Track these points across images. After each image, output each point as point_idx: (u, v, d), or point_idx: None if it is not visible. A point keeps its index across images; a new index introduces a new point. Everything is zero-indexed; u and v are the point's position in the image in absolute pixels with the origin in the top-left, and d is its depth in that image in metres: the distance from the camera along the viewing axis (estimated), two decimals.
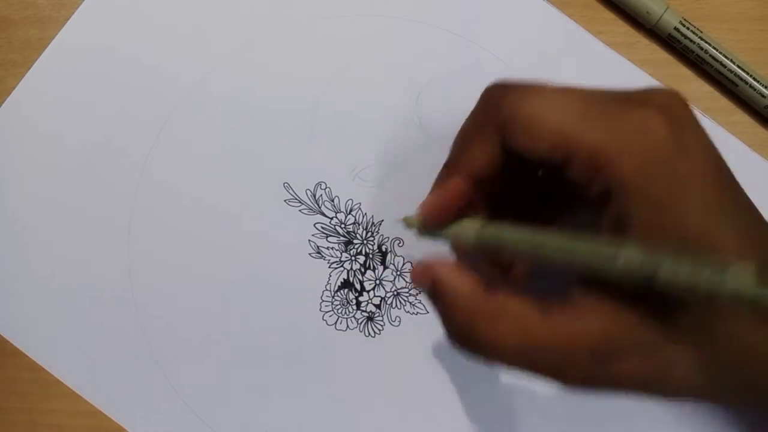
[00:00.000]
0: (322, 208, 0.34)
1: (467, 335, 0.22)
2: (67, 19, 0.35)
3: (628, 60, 0.35)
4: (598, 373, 0.20)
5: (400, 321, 0.33)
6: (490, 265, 0.26)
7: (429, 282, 0.23)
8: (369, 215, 0.34)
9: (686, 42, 0.34)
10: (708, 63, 0.34)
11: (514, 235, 0.22)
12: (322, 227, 0.34)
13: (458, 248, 0.26)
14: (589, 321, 0.20)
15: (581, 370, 0.20)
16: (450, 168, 0.24)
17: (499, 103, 0.22)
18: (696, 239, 0.19)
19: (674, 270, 0.18)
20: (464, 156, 0.23)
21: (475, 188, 0.23)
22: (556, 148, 0.21)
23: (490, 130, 0.22)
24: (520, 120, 0.21)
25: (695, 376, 0.20)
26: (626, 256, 0.18)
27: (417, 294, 0.33)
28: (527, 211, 0.23)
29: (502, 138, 0.22)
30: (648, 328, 0.20)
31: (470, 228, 0.23)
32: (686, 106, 0.21)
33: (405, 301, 0.33)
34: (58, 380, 0.32)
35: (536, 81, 0.22)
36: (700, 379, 0.20)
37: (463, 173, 0.23)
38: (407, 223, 0.27)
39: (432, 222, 0.24)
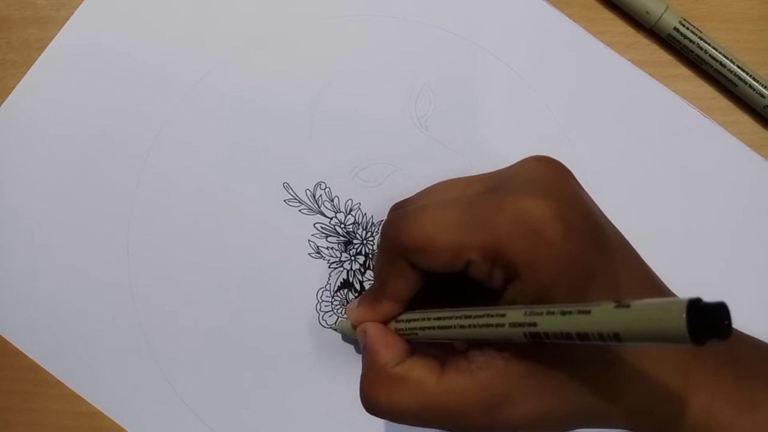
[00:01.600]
0: (322, 208, 0.34)
1: (370, 396, 0.25)
2: (67, 19, 0.35)
3: (628, 60, 0.35)
4: (491, 421, 0.23)
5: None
6: None
7: (363, 342, 0.27)
8: (369, 215, 0.34)
9: (686, 42, 0.34)
10: (707, 63, 0.34)
11: (419, 323, 0.25)
12: (322, 227, 0.34)
13: None
14: (480, 377, 0.23)
15: (475, 422, 0.23)
16: (377, 294, 0.27)
17: (396, 234, 0.24)
18: (584, 296, 0.22)
19: (551, 320, 0.20)
20: (386, 285, 0.26)
21: (404, 306, 0.26)
22: (453, 261, 0.23)
23: (398, 259, 0.25)
24: (417, 246, 0.24)
25: (585, 406, 0.23)
26: (511, 319, 0.21)
27: None
28: (445, 297, 0.26)
29: (410, 263, 0.25)
30: (534, 376, 0.22)
31: (390, 325, 0.27)
32: (559, 175, 0.24)
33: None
34: (59, 380, 0.32)
35: (424, 197, 0.25)
36: (590, 407, 0.23)
37: (389, 298, 0.26)
38: (339, 329, 0.32)
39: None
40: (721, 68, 0.34)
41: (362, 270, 0.34)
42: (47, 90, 0.34)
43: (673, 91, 0.35)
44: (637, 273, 0.25)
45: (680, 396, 0.24)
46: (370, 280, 0.33)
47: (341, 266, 0.33)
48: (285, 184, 0.34)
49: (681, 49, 0.35)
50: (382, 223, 0.27)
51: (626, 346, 0.23)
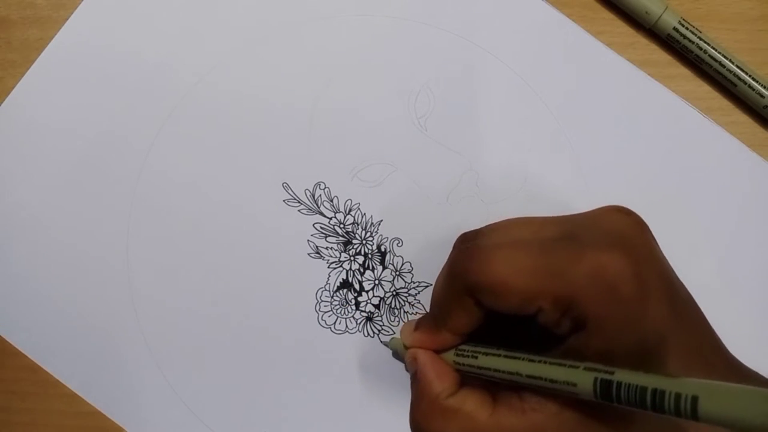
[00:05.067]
0: (321, 208, 0.34)
1: (424, 426, 0.25)
2: (66, 19, 0.35)
3: (628, 60, 0.35)
4: None
5: (399, 321, 0.33)
6: None
7: (413, 369, 0.27)
8: (368, 215, 0.34)
9: (685, 42, 0.34)
10: (707, 63, 0.34)
11: (488, 364, 0.25)
12: (321, 227, 0.34)
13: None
14: (533, 418, 0.22)
15: None
16: (437, 323, 0.27)
17: (466, 271, 0.24)
18: (652, 358, 0.22)
19: (629, 374, 0.19)
20: (448, 318, 0.26)
21: (462, 339, 0.26)
22: (523, 305, 0.23)
23: (465, 295, 0.24)
24: (487, 287, 0.23)
25: None
26: (584, 380, 0.21)
27: (416, 294, 0.33)
28: (508, 333, 0.26)
29: (476, 300, 0.24)
30: (587, 427, 0.22)
31: (447, 356, 0.27)
32: (637, 230, 0.24)
33: (404, 301, 0.33)
34: (58, 381, 0.32)
35: (495, 236, 0.25)
36: None
37: (449, 330, 0.26)
38: (391, 346, 0.32)
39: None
40: (720, 68, 0.34)
41: (361, 270, 0.34)
42: (47, 90, 0.34)
43: (673, 91, 0.35)
44: (705, 337, 0.24)
45: None
46: (369, 280, 0.33)
47: (340, 266, 0.33)
48: (284, 184, 0.34)
49: (680, 49, 0.35)
50: (450, 254, 0.26)
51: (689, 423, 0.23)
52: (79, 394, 0.32)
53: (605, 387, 0.20)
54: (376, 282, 0.33)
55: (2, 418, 0.33)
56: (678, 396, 0.17)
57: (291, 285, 0.33)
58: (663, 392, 0.18)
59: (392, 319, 0.33)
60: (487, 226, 0.26)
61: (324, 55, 0.35)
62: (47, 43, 0.35)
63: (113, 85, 0.34)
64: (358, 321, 0.33)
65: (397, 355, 0.33)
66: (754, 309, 0.34)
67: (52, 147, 0.34)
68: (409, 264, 0.34)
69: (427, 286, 0.33)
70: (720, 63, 0.34)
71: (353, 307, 0.33)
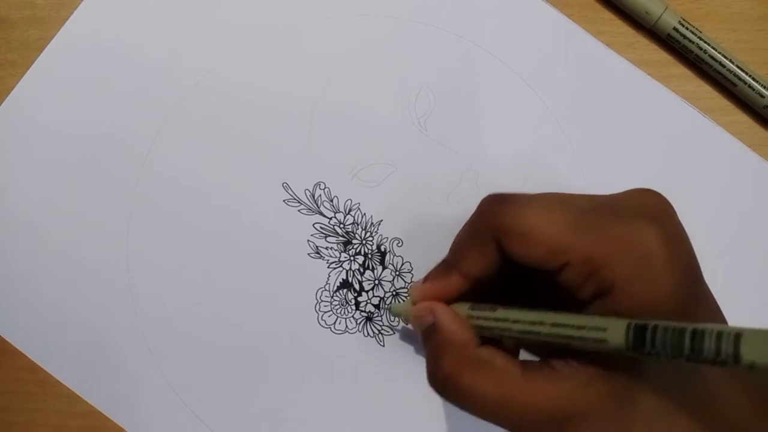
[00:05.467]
0: (321, 208, 0.34)
1: (451, 380, 0.23)
2: (66, 19, 0.35)
3: (628, 60, 0.35)
4: None
5: (399, 321, 0.33)
6: None
7: (430, 320, 0.25)
8: (368, 215, 0.34)
9: (685, 42, 0.34)
10: (707, 63, 0.34)
11: (507, 315, 0.23)
12: (321, 227, 0.34)
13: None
14: (564, 386, 0.22)
15: (542, 430, 0.22)
16: (449, 266, 0.26)
17: (496, 214, 0.23)
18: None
19: (664, 332, 0.18)
20: (463, 259, 0.25)
21: (470, 286, 0.25)
22: (551, 257, 0.22)
23: (488, 237, 0.24)
24: (518, 230, 0.23)
25: None
26: (615, 326, 0.20)
27: None
28: (516, 300, 0.25)
29: (499, 245, 0.23)
30: (615, 402, 0.21)
31: (461, 311, 0.25)
32: (668, 209, 0.24)
33: (404, 301, 0.33)
34: (57, 380, 0.32)
35: (529, 194, 0.24)
36: None
37: (461, 273, 0.25)
38: (394, 311, 0.30)
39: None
40: (720, 68, 0.34)
41: (361, 270, 0.34)
42: (47, 90, 0.34)
43: (673, 91, 0.35)
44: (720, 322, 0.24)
45: None
46: (369, 280, 0.33)
47: (340, 266, 0.33)
48: (284, 185, 0.34)
49: (680, 49, 0.35)
50: (479, 205, 0.25)
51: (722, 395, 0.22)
52: (79, 394, 0.32)
53: (639, 332, 0.19)
54: (376, 282, 0.33)
55: (2, 418, 0.33)
56: (720, 335, 0.16)
57: (291, 285, 0.33)
58: (703, 332, 0.17)
59: (392, 319, 0.33)
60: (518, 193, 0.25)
61: (324, 55, 0.35)
62: (47, 43, 0.35)
63: (113, 85, 0.34)
64: (358, 321, 0.33)
65: (401, 326, 0.32)
66: (754, 309, 0.34)
67: (53, 147, 0.34)
68: (409, 264, 0.34)
69: None
70: (720, 63, 0.34)
71: (353, 307, 0.33)
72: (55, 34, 0.35)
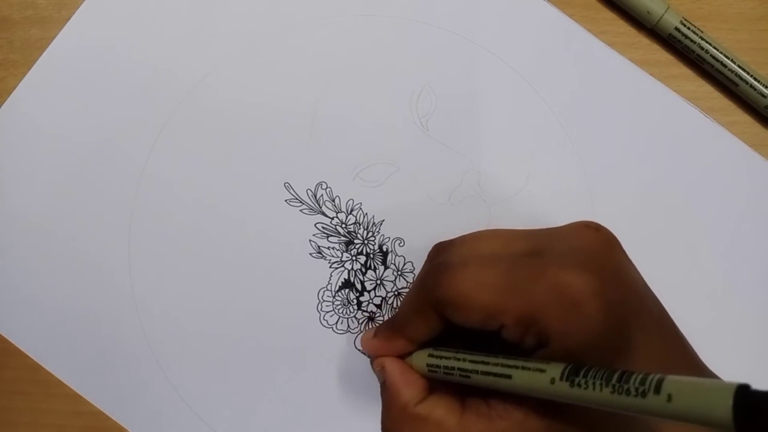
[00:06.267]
0: (323, 208, 0.34)
1: None
2: (68, 19, 0.35)
3: (629, 60, 0.35)
4: None
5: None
6: None
7: (382, 377, 0.28)
8: (370, 215, 0.34)
9: (687, 42, 0.34)
10: (708, 63, 0.34)
11: (451, 363, 0.25)
12: (323, 227, 0.34)
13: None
14: (500, 425, 0.23)
15: None
16: (395, 330, 0.28)
17: (435, 286, 0.25)
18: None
19: (596, 371, 0.20)
20: (408, 326, 0.27)
21: (416, 347, 0.27)
22: (487, 321, 0.23)
23: (429, 308, 0.25)
24: (454, 302, 0.24)
25: None
26: (552, 376, 0.21)
27: None
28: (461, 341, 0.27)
29: (439, 314, 0.25)
30: None
31: (420, 358, 0.27)
32: (607, 247, 0.24)
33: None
34: (60, 380, 0.32)
35: (467, 249, 0.26)
36: None
37: (406, 338, 0.27)
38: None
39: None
40: (722, 68, 0.34)
41: (363, 270, 0.34)
42: (48, 90, 0.34)
43: (674, 90, 0.35)
44: (676, 351, 0.25)
45: None
46: (371, 279, 0.33)
47: (342, 266, 0.33)
48: (286, 185, 0.34)
49: (682, 49, 0.35)
50: (422, 267, 0.27)
51: (653, 423, 0.23)
52: (81, 394, 0.32)
53: (574, 370, 0.20)
54: (378, 282, 0.33)
55: (4, 418, 0.33)
56: (645, 376, 0.18)
57: (293, 285, 0.33)
58: (631, 373, 0.19)
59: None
60: (459, 237, 0.27)
61: (325, 55, 0.35)
62: (49, 43, 0.35)
63: (115, 85, 0.34)
64: (360, 321, 0.33)
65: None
66: (754, 309, 0.34)
67: (54, 147, 0.34)
68: (411, 264, 0.34)
69: None
70: (721, 63, 0.34)
71: (355, 307, 0.33)
72: (57, 34, 0.35)
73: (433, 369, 0.26)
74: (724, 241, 0.35)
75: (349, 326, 0.33)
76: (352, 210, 0.34)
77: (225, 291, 0.33)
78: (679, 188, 0.35)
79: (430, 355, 0.27)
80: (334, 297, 0.33)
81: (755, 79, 0.34)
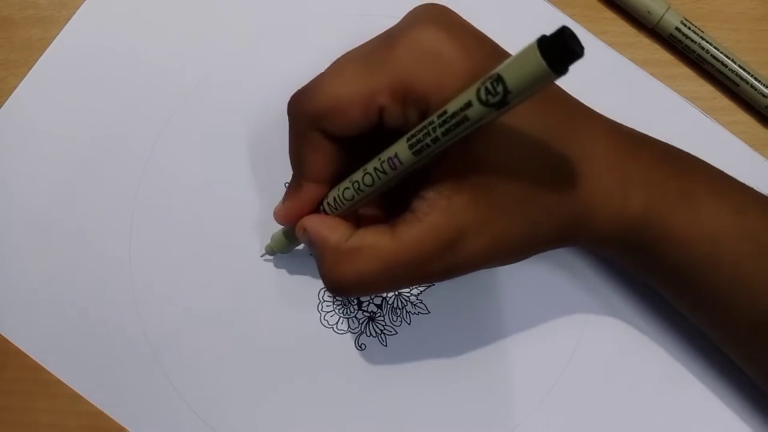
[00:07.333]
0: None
1: (335, 276, 0.24)
2: (69, 19, 0.35)
3: (630, 60, 0.35)
4: (452, 262, 0.23)
5: (401, 321, 0.33)
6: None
7: (306, 236, 0.27)
8: None
9: (687, 42, 0.34)
10: (709, 63, 0.34)
11: (342, 191, 0.25)
12: None
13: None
14: (429, 219, 0.23)
15: (438, 266, 0.23)
16: (297, 179, 0.27)
17: (303, 108, 0.25)
18: None
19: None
20: (304, 166, 0.26)
21: (328, 186, 0.26)
22: (367, 112, 0.23)
23: (310, 132, 0.25)
24: (327, 110, 0.24)
25: (534, 219, 0.24)
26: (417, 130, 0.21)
27: (418, 294, 0.33)
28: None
29: (324, 133, 0.24)
30: (479, 203, 0.23)
31: (332, 200, 0.26)
32: (443, 8, 0.24)
33: (406, 301, 0.33)
34: (60, 380, 0.32)
35: (321, 73, 0.25)
36: (539, 219, 0.24)
37: (310, 179, 0.26)
38: (267, 250, 0.32)
39: (291, 225, 0.28)
40: (722, 68, 0.34)
41: None
42: (49, 90, 0.34)
43: (675, 90, 0.35)
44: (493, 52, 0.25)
45: (621, 192, 0.25)
46: None
47: None
48: (287, 185, 0.34)
49: (683, 49, 0.35)
50: (287, 105, 0.26)
51: (561, 150, 0.24)
52: (81, 394, 0.32)
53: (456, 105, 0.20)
54: None
55: (4, 418, 0.33)
56: (493, 77, 0.19)
57: (293, 284, 0.33)
58: (486, 79, 0.19)
59: (394, 319, 0.33)
60: None
61: (325, 55, 0.35)
62: (49, 43, 0.35)
63: (116, 85, 0.34)
64: (361, 321, 0.33)
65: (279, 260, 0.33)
66: None
67: (55, 146, 0.34)
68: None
69: (429, 286, 0.33)
70: (722, 63, 0.34)
71: (355, 307, 0.33)
72: (57, 34, 0.35)
73: (341, 201, 0.26)
74: None
75: (349, 326, 0.33)
76: None
77: (225, 291, 0.33)
78: None
79: (333, 195, 0.26)
80: (334, 297, 0.33)
81: (756, 79, 0.34)
